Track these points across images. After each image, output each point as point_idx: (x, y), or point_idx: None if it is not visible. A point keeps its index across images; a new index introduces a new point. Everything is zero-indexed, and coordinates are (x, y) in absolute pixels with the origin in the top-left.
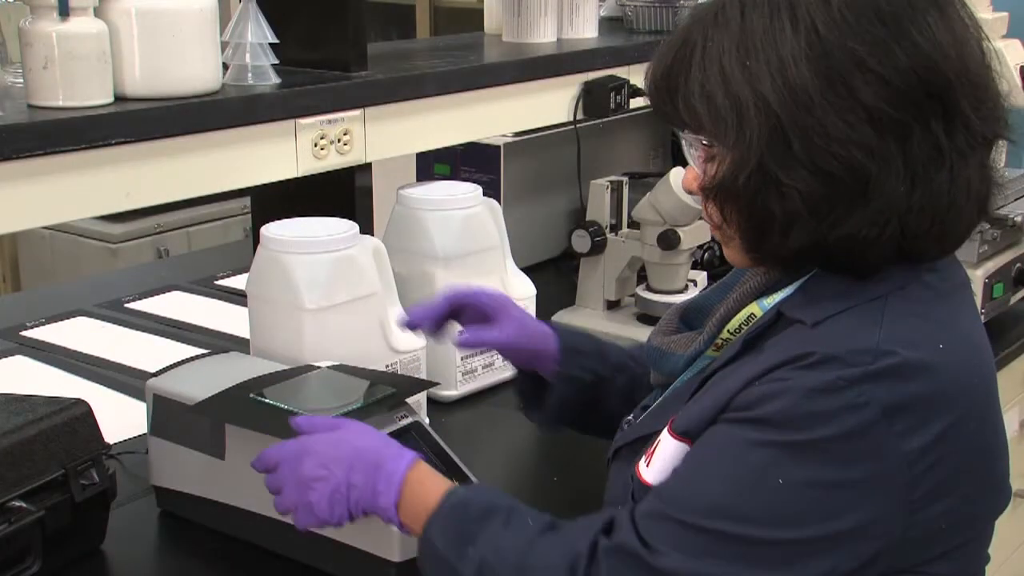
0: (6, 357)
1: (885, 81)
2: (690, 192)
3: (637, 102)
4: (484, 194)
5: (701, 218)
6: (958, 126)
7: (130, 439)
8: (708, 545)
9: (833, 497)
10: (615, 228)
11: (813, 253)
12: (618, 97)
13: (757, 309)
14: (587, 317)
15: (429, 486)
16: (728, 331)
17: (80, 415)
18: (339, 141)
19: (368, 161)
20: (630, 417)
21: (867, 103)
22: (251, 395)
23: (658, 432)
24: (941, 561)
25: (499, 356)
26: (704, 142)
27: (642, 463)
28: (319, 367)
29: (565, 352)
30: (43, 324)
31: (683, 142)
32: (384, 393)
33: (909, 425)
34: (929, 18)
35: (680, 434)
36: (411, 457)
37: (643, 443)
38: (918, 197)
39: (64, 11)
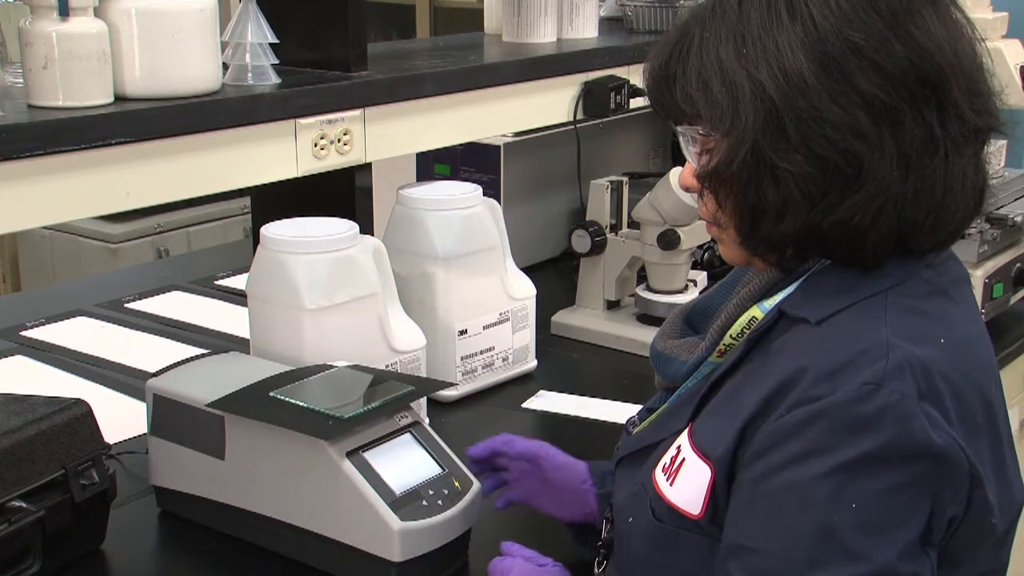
0: (6, 357)
1: (880, 68)
2: (687, 189)
3: (637, 102)
4: (484, 194)
5: (701, 218)
6: (951, 116)
7: (130, 439)
8: None
9: (906, 498)
10: (615, 228)
11: (809, 241)
12: (618, 97)
13: (758, 312)
14: (587, 317)
15: None
16: (731, 336)
17: (80, 415)
18: (339, 141)
19: (368, 161)
20: (635, 417)
21: (862, 89)
22: (271, 394)
23: (665, 441)
24: (956, 569)
25: (499, 356)
26: (701, 132)
27: (660, 477)
28: (335, 366)
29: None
30: (43, 324)
31: (680, 139)
32: (402, 391)
33: (937, 416)
34: (925, 13)
35: (703, 453)
36: None
37: (650, 450)
38: (912, 183)
39: (64, 11)
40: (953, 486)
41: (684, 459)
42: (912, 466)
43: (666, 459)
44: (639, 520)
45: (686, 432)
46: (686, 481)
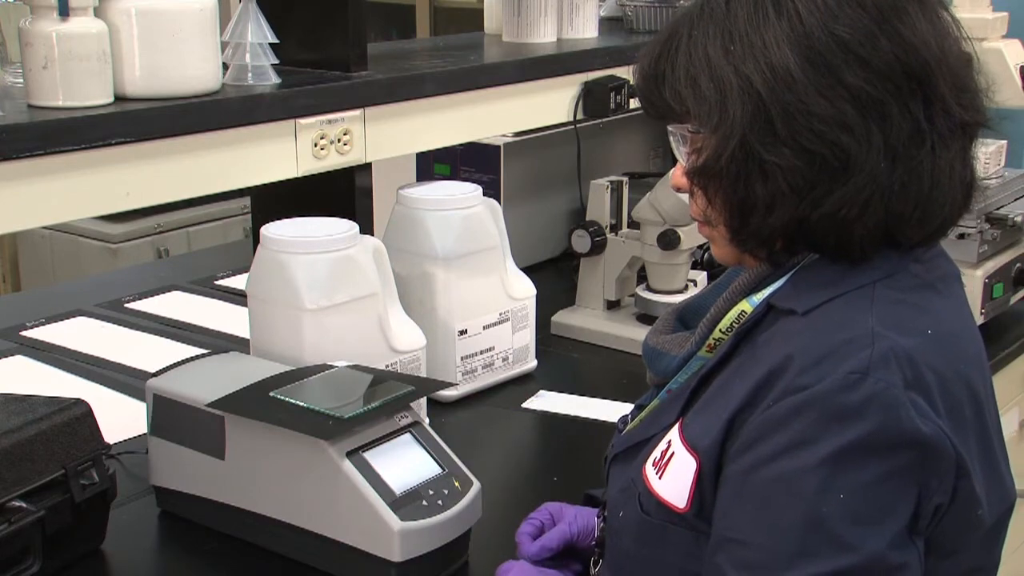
0: (6, 357)
1: (866, 62)
2: (678, 189)
3: (637, 102)
4: (484, 194)
5: (692, 217)
6: (938, 110)
7: (130, 439)
8: None
9: (893, 487)
10: (615, 228)
11: (797, 235)
12: (618, 97)
13: (747, 306)
14: (587, 317)
15: None
16: (720, 331)
17: (80, 415)
18: (339, 141)
19: (368, 161)
20: (627, 415)
21: (848, 83)
22: (271, 394)
23: (656, 436)
24: (944, 561)
25: (499, 356)
26: (690, 130)
27: (650, 471)
28: (335, 366)
29: None
30: (43, 324)
31: (671, 139)
32: (402, 391)
33: (924, 405)
34: (911, 10)
35: (692, 446)
36: None
37: (641, 446)
38: (899, 175)
39: (64, 11)
40: (939, 475)
41: (673, 453)
42: (899, 455)
43: (656, 453)
44: (628, 515)
45: (677, 427)
46: (674, 474)
